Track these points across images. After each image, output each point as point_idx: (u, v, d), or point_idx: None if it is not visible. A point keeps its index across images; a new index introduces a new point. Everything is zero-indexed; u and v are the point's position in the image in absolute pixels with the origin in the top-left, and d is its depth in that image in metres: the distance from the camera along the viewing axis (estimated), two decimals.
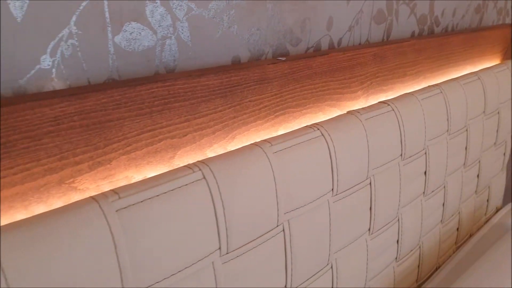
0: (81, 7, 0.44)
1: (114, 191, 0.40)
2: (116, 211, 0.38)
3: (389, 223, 0.75)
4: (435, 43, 0.92)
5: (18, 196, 0.38)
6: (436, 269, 0.97)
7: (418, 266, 0.89)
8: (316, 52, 0.72)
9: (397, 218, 0.77)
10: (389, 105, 0.73)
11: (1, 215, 0.37)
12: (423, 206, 0.85)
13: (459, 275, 0.87)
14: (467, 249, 1.02)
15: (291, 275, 0.56)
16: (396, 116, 0.73)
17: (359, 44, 0.84)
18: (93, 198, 0.39)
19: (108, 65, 0.48)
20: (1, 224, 0.35)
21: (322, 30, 0.74)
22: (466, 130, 0.95)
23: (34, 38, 0.41)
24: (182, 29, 0.53)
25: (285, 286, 0.56)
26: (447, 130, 0.88)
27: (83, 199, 0.39)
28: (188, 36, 0.54)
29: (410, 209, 0.80)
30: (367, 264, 0.71)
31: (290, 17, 0.67)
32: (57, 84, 0.44)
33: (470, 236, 1.11)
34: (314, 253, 0.59)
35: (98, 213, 0.37)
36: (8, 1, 0.39)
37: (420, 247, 0.88)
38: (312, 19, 0.71)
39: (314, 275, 0.60)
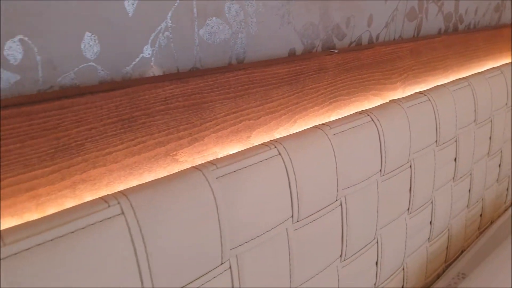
0: (176, 4, 0.50)
1: (211, 163, 0.46)
2: (216, 178, 0.45)
3: (424, 204, 0.81)
4: (461, 39, 0.98)
5: (136, 164, 0.44)
6: (462, 252, 1.03)
7: (447, 248, 0.96)
8: (364, 45, 0.79)
9: (430, 201, 0.84)
10: (425, 95, 0.79)
11: (124, 181, 0.44)
12: (453, 191, 0.91)
13: (482, 259, 0.94)
14: (489, 234, 1.08)
15: (346, 246, 0.63)
16: (432, 105, 0.79)
17: (393, 39, 0.90)
18: (196, 167, 0.45)
19: (193, 55, 0.54)
20: (134, 185, 0.41)
21: (363, 26, 0.80)
22: (491, 121, 1.01)
23: (140, 30, 0.48)
24: (251, 24, 0.60)
25: (340, 255, 0.63)
26: (474, 120, 0.94)
27: (187, 168, 0.45)
28: (256, 30, 0.60)
29: (442, 192, 0.87)
30: (405, 241, 0.78)
31: (338, 14, 0.74)
32: (155, 71, 0.50)
33: (491, 223, 1.17)
34: (364, 227, 0.66)
35: (202, 179, 0.44)
36: (124, 0, 0.45)
37: (449, 229, 0.94)
38: (355, 16, 0.77)
39: (363, 247, 0.67)
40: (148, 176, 0.46)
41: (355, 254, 0.66)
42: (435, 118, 0.79)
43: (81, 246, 0.34)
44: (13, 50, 0.39)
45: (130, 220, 0.37)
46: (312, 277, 0.58)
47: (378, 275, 0.73)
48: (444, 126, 0.82)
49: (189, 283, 0.42)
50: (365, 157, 0.63)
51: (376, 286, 0.74)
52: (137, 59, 0.49)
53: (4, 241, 0.32)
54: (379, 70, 0.75)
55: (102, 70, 0.46)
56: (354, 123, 0.63)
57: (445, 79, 0.95)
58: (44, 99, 0.37)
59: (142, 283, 0.38)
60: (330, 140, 0.58)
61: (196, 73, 0.49)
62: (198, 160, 0.50)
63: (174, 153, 0.47)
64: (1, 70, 0.39)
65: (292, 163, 0.52)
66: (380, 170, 0.67)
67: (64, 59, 0.43)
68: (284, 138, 0.54)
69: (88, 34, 0.44)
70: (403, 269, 0.81)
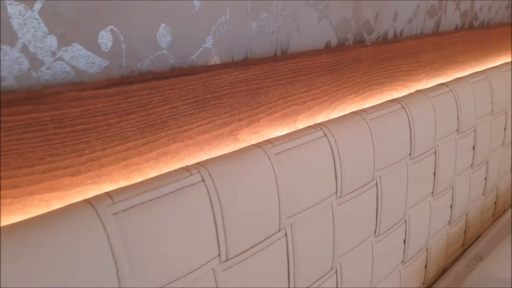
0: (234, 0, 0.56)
1: (269, 141, 0.52)
2: (275, 154, 0.50)
3: (446, 188, 0.87)
4: (478, 35, 1.04)
5: (206, 141, 0.50)
6: (478, 237, 1.08)
7: (464, 232, 1.01)
8: (393, 39, 0.84)
9: (451, 186, 0.89)
10: (447, 86, 0.84)
11: (196, 156, 0.49)
12: (471, 178, 0.96)
13: (498, 242, 0.99)
14: (504, 220, 1.14)
15: (379, 223, 0.68)
16: (454, 96, 0.84)
17: (415, 34, 0.95)
18: (257, 145, 0.51)
19: (245, 46, 0.60)
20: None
21: (389, 21, 0.86)
22: (505, 113, 1.07)
23: (204, 23, 0.53)
24: (295, 19, 0.65)
25: (374, 231, 0.68)
26: (491, 112, 0.99)
27: (250, 145, 0.51)
28: (298, 24, 0.66)
29: (461, 178, 0.92)
30: (429, 223, 0.83)
31: (367, 10, 0.79)
32: (215, 59, 0.56)
33: (504, 211, 1.22)
34: (395, 207, 0.71)
35: (263, 155, 0.49)
36: None
37: (466, 214, 0.99)
38: (383, 12, 0.83)
39: (394, 225, 0.72)
40: (215, 152, 0.51)
41: (387, 231, 0.71)
42: (457, 108, 0.85)
43: (171, 207, 0.40)
44: (105, 38, 0.45)
45: (209, 187, 0.43)
46: (351, 250, 0.64)
47: (405, 252, 0.78)
48: (464, 116, 0.87)
49: (254, 245, 0.48)
50: (397, 142, 0.69)
51: (404, 263, 0.79)
52: (201, 49, 0.54)
53: (113, 200, 0.37)
54: (406, 63, 0.80)
55: (172, 58, 0.51)
56: (387, 109, 0.68)
57: (464, 72, 1.00)
58: (138, 80, 0.43)
59: (218, 242, 0.44)
60: (368, 124, 0.63)
61: (254, 61, 0.54)
62: (254, 139, 0.56)
63: (236, 132, 0.53)
64: (95, 56, 0.45)
65: (336, 144, 0.58)
66: (410, 154, 0.72)
67: (142, 47, 0.48)
68: (328, 121, 0.60)
69: (163, 25, 0.49)
70: (427, 249, 0.86)
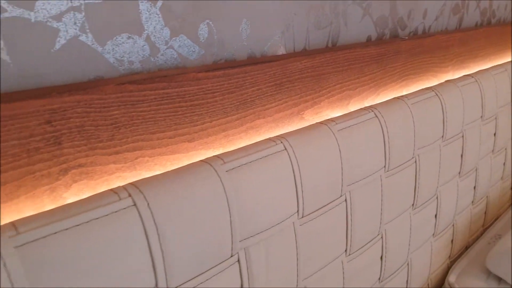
0: (300, 1, 0.65)
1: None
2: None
3: (470, 170, 0.95)
4: (497, 31, 1.12)
5: (280, 119, 0.59)
6: (497, 218, 1.17)
7: (485, 213, 1.10)
8: (426, 33, 0.93)
9: (475, 168, 0.98)
10: (473, 77, 0.93)
11: (273, 131, 0.58)
12: (492, 162, 1.05)
13: None
14: None
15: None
16: (479, 86, 0.93)
17: (440, 30, 1.04)
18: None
19: (304, 39, 0.68)
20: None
21: (419, 18, 0.95)
22: None
23: (276, 19, 0.62)
24: (343, 15, 0.74)
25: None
26: (511, 101, 1.08)
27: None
28: (346, 21, 0.75)
29: (484, 162, 1.01)
30: (457, 201, 0.92)
31: (402, 8, 0.88)
32: (282, 50, 0.65)
33: None
34: (429, 183, 0.80)
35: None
36: None
37: (487, 196, 1.08)
38: (415, 10, 0.92)
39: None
40: (287, 129, 0.60)
41: (423, 204, 0.80)
42: (481, 96, 0.93)
43: (266, 168, 0.49)
44: (203, 31, 0.54)
45: (290, 154, 0.52)
46: (394, 219, 0.72)
47: (436, 226, 0.87)
48: (487, 104, 0.96)
49: (325, 205, 0.57)
50: (432, 124, 0.77)
51: (434, 235, 0.88)
52: (272, 41, 0.63)
53: (224, 160, 0.46)
54: (436, 56, 0.89)
55: (250, 49, 0.60)
56: (424, 96, 0.77)
57: (485, 65, 1.09)
58: (236, 65, 0.51)
59: (297, 199, 0.53)
60: (409, 108, 0.72)
61: (319, 50, 0.63)
62: (316, 119, 0.64)
63: (302, 112, 0.62)
64: (195, 45, 0.53)
65: (386, 124, 0.67)
66: (442, 136, 0.81)
67: (229, 39, 0.57)
68: (380, 104, 0.69)
69: (244, 20, 0.58)
70: (453, 225, 0.95)
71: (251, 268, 0.49)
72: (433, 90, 0.80)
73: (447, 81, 0.88)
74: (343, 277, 0.64)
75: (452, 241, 0.97)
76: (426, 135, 0.76)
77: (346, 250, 0.64)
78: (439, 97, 0.80)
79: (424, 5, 0.94)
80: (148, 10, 0.47)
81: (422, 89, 0.80)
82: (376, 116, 0.66)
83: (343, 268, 0.64)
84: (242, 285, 0.48)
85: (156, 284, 0.40)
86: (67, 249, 0.34)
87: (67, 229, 0.34)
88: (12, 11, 0.38)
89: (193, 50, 0.53)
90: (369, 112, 0.66)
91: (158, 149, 0.46)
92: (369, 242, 0.68)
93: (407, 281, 0.83)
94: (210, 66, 0.50)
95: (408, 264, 0.82)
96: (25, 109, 0.35)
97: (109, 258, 0.36)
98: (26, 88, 0.40)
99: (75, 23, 0.42)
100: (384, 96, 0.77)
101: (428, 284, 0.91)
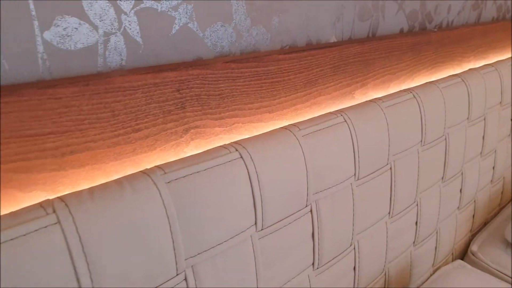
0: None
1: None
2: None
3: (490, 151, 1.05)
4: None
5: (336, 97, 0.68)
6: (503, 206, 1.27)
7: (502, 192, 1.19)
8: (453, 26, 1.03)
9: (494, 150, 1.07)
10: (493, 66, 1.02)
11: (330, 107, 0.68)
12: (508, 147, 1.14)
13: None
14: None
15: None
16: (498, 74, 1.02)
17: (461, 25, 1.13)
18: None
19: (350, 29, 0.78)
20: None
21: (444, 13, 1.04)
22: None
23: (330, 13, 0.72)
24: (382, 10, 0.83)
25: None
26: None
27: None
28: (383, 15, 0.84)
29: (502, 145, 1.10)
30: (478, 179, 1.01)
31: (430, 3, 0.97)
32: (332, 38, 0.74)
33: None
34: (457, 159, 0.89)
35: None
36: None
37: (504, 177, 1.18)
38: (441, 5, 1.01)
39: (407, 207, 0.84)
40: (340, 106, 0.70)
41: (450, 178, 0.89)
42: (501, 83, 1.03)
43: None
44: (275, 21, 0.63)
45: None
46: (428, 188, 0.82)
47: (461, 200, 0.97)
48: (506, 91, 1.05)
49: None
50: (459, 106, 0.87)
51: (459, 208, 0.97)
52: (325, 31, 0.73)
53: (299, 128, 0.56)
54: (460, 46, 0.98)
55: (308, 36, 0.70)
56: (452, 81, 0.86)
57: (502, 56, 1.18)
58: (305, 49, 0.61)
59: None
60: (441, 92, 0.82)
61: (366, 39, 0.73)
62: (364, 98, 0.74)
63: (353, 92, 0.72)
64: (268, 33, 0.63)
65: (423, 105, 0.76)
66: (468, 118, 0.91)
67: (293, 28, 0.67)
68: (418, 87, 0.78)
69: (305, 12, 0.68)
70: (474, 201, 1.04)
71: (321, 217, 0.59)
72: (459, 77, 0.90)
73: (470, 69, 0.98)
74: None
75: (473, 216, 1.06)
76: (455, 116, 0.86)
77: (389, 213, 0.74)
78: (465, 83, 0.89)
79: (448, 1, 1.03)
80: (237, 3, 0.57)
81: (450, 75, 0.90)
82: (415, 97, 0.75)
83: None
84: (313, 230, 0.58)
85: (256, 222, 0.50)
86: (199, 186, 0.44)
87: (197, 172, 0.44)
88: (146, 2, 0.48)
89: (266, 37, 0.63)
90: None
91: (248, 117, 0.55)
92: (407, 207, 0.78)
93: (435, 247, 0.92)
94: (286, 50, 0.60)
95: (437, 232, 0.91)
96: (164, 79, 0.45)
97: (222, 195, 0.46)
98: (150, 64, 0.50)
99: (186, 13, 0.52)
100: (417, 81, 0.87)
101: (452, 253, 1.01)
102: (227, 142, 0.54)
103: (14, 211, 0.35)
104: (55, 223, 0.35)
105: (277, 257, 0.55)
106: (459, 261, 0.91)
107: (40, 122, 0.37)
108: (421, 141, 0.77)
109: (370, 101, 0.69)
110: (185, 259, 0.43)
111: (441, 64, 0.93)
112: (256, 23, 0.61)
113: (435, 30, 0.91)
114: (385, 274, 0.77)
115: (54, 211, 0.35)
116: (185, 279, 0.44)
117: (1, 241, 0.32)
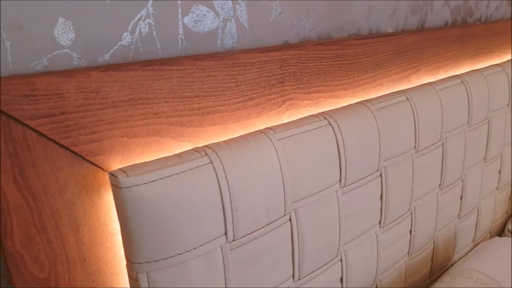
0: None
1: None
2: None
3: (495, 157, 1.12)
4: None
5: (396, 80, 0.77)
6: None
7: (509, 198, 1.26)
8: (491, 20, 1.11)
9: (499, 156, 1.15)
10: (500, 66, 1.10)
11: (390, 89, 0.77)
12: None
13: None
14: None
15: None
16: (506, 74, 1.10)
17: (498, 19, 1.21)
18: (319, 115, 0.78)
19: (403, 22, 0.87)
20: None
21: (483, 8, 1.12)
22: None
23: (386, 6, 0.81)
24: (430, 4, 0.92)
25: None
26: None
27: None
28: (431, 9, 0.93)
29: None
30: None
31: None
32: (388, 29, 0.83)
33: None
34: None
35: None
36: None
37: None
38: (481, 1, 1.09)
39: (454, 181, 0.92)
40: (400, 88, 0.79)
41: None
42: (509, 84, 1.10)
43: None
44: (348, 14, 0.73)
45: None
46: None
47: (499, 181, 1.04)
48: None
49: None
50: (501, 93, 0.95)
51: (498, 188, 1.05)
52: (383, 22, 0.82)
53: (372, 103, 0.65)
54: (499, 39, 1.06)
55: (369, 27, 0.79)
56: (493, 70, 0.94)
57: None
58: (372, 36, 0.70)
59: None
60: (485, 79, 0.90)
61: (420, 30, 0.82)
62: (418, 83, 0.83)
63: (409, 77, 0.81)
64: (341, 24, 0.73)
65: (470, 90, 0.85)
66: (508, 104, 0.98)
67: (358, 19, 0.76)
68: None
69: (369, 5, 0.77)
70: (478, 209, 1.12)
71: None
72: (500, 66, 0.98)
73: (472, 71, 1.05)
74: (437, 208, 0.83)
75: (510, 197, 1.14)
76: (498, 100, 0.94)
77: (440, 184, 0.83)
78: (505, 71, 0.97)
79: None
80: (317, 2, 0.67)
81: (491, 65, 0.98)
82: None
83: (437, 200, 0.83)
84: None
85: (340, 179, 0.60)
86: (301, 144, 0.54)
87: (298, 134, 0.54)
88: None
89: (338, 26, 0.73)
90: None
91: (329, 93, 0.65)
92: (455, 181, 0.86)
93: (476, 223, 1.00)
94: (359, 36, 0.70)
95: (477, 209, 0.99)
96: (272, 58, 0.55)
97: (316, 154, 0.56)
98: (254, 47, 0.60)
99: (280, 5, 0.62)
100: (462, 69, 0.95)
101: (490, 231, 1.09)
102: (314, 113, 0.63)
103: (178, 153, 0.45)
104: (208, 163, 0.45)
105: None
106: (498, 237, 0.99)
107: (191, 87, 0.48)
108: (467, 122, 0.86)
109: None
110: (291, 203, 0.53)
111: (482, 54, 1.01)
112: (330, 14, 0.70)
113: (478, 23, 0.99)
114: (433, 242, 0.86)
115: (206, 154, 0.46)
116: (290, 219, 0.54)
117: (170, 175, 0.43)
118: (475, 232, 1.01)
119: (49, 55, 0.43)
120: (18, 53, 0.41)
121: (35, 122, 0.38)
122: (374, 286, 0.72)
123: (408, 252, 0.78)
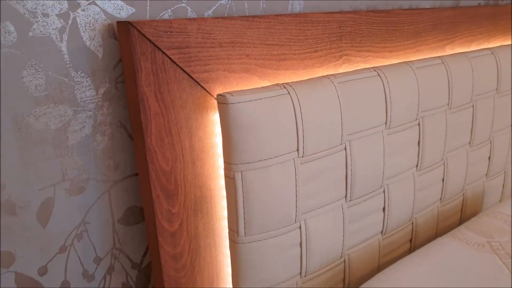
0: None
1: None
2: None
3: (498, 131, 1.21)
4: None
5: (441, 46, 0.89)
6: None
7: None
8: None
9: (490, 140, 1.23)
10: (490, 50, 1.18)
11: (437, 54, 0.88)
12: None
13: None
14: None
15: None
16: (495, 58, 1.18)
17: None
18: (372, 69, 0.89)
19: (439, 0, 0.98)
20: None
21: None
22: None
23: None
24: None
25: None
26: None
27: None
28: None
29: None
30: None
31: None
32: (427, 6, 0.95)
33: None
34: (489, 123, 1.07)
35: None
36: None
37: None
38: None
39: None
40: (435, 55, 0.90)
41: (481, 143, 1.07)
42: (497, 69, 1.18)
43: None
44: None
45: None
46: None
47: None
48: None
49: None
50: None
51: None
52: (404, 1, 0.93)
53: (414, 64, 0.77)
54: None
55: (410, 3, 0.91)
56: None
57: None
58: (415, 8, 0.82)
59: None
60: (495, 56, 1.00)
61: (456, 7, 0.93)
62: (454, 51, 0.94)
63: (444, 47, 0.92)
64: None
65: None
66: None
67: None
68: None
69: None
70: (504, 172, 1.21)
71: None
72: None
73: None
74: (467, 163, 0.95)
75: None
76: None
77: (470, 142, 0.94)
78: (494, 55, 1.06)
79: None
80: None
81: (481, 48, 1.08)
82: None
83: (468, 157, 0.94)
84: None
85: (385, 121, 0.72)
86: (356, 89, 0.67)
87: (355, 79, 0.67)
88: None
89: (385, 2, 0.85)
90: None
91: (376, 53, 0.78)
92: (484, 140, 0.97)
93: (503, 184, 1.10)
94: (403, 9, 0.82)
95: (504, 172, 1.09)
96: (333, 18, 0.68)
97: (367, 98, 0.68)
98: (315, 12, 0.73)
99: None
100: (493, 44, 1.05)
101: None
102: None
103: (264, 86, 0.59)
104: (287, 94, 0.59)
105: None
106: None
107: (273, 37, 0.61)
108: (496, 90, 0.96)
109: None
110: (347, 134, 0.66)
111: (508, 32, 1.11)
112: None
113: (504, 3, 1.09)
114: (463, 194, 0.97)
115: (285, 87, 0.59)
116: (345, 148, 0.67)
117: (261, 98, 0.56)
118: (502, 192, 1.10)
119: (172, 7, 0.57)
120: (152, 5, 0.56)
121: (170, 51, 0.52)
122: (410, 222, 0.84)
123: (440, 199, 0.89)
